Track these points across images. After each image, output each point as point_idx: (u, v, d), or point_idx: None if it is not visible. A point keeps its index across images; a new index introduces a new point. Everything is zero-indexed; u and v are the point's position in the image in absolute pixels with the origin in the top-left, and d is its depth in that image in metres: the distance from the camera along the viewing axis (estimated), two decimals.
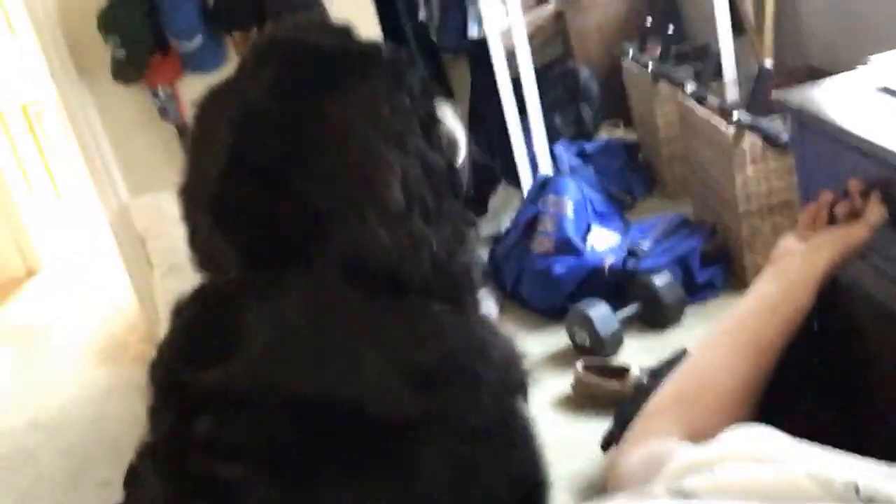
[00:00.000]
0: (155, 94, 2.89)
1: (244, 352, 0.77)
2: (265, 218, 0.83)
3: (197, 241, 0.90)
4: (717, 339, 0.94)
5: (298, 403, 0.76)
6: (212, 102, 0.91)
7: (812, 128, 1.29)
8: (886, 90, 1.23)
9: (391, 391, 0.76)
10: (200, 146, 0.91)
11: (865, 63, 1.39)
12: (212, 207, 0.85)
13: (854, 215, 0.99)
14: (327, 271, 0.81)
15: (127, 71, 2.81)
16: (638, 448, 0.82)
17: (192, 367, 0.79)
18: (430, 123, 0.93)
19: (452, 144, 0.96)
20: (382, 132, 0.84)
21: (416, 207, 0.83)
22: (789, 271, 0.94)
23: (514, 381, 0.87)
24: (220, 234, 0.85)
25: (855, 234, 0.96)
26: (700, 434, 0.77)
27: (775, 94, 1.48)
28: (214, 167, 0.85)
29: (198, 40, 2.74)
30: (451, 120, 0.99)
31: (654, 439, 0.82)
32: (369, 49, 0.92)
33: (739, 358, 0.89)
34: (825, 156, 1.23)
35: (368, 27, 2.83)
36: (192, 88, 2.83)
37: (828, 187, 1.05)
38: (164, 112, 2.90)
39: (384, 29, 2.92)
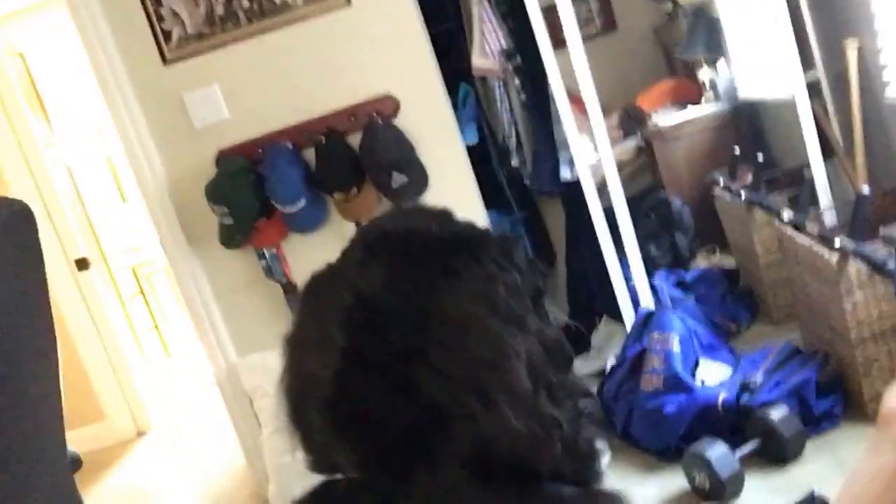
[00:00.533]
0: (261, 256, 3.02)
1: None
2: (387, 418, 0.79)
3: (311, 444, 0.86)
4: None
5: None
6: (316, 293, 0.88)
7: None
8: None
9: None
10: (306, 342, 0.86)
11: None
12: (328, 409, 0.81)
13: None
14: (455, 471, 0.77)
15: (234, 237, 2.95)
16: None
17: None
18: (538, 297, 0.91)
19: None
20: (502, 316, 0.81)
21: (542, 388, 0.81)
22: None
23: None
24: (337, 437, 0.82)
25: None
26: None
27: (883, 230, 1.47)
28: (327, 366, 0.80)
29: (301, 203, 2.88)
30: None
31: None
32: (475, 231, 0.91)
33: None
34: None
35: (464, 178, 2.94)
36: (296, 247, 2.97)
37: None
38: (269, 272, 3.02)
39: (479, 178, 3.02)
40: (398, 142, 2.83)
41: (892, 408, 0.89)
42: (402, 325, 0.80)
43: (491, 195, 3.17)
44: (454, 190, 2.91)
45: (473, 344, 0.80)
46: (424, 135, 2.89)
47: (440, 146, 2.91)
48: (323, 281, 0.88)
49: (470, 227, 0.91)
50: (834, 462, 2.20)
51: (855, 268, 2.27)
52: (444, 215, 0.92)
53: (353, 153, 2.87)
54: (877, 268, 2.23)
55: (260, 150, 2.91)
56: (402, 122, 2.88)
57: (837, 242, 2.30)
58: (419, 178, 2.86)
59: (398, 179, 2.80)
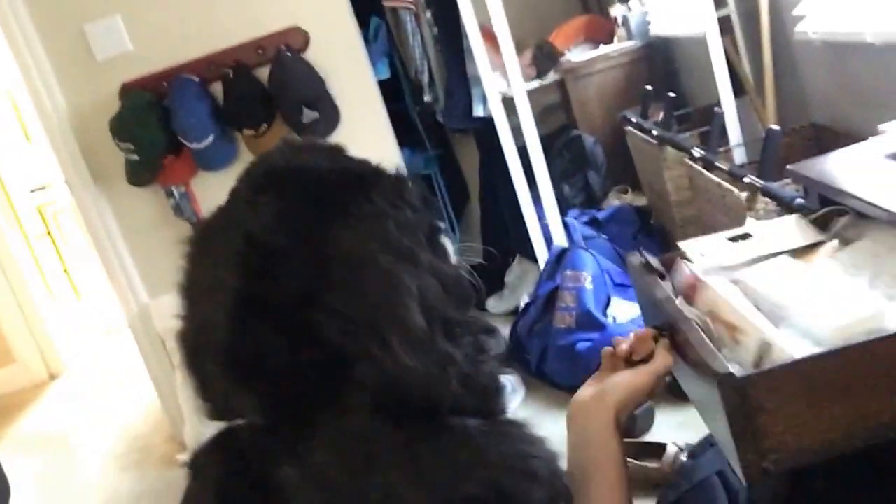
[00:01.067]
0: (170, 194, 2.93)
1: None
2: (285, 361, 0.78)
3: (209, 392, 0.84)
4: None
5: None
6: (206, 238, 0.85)
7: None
8: None
9: None
10: (198, 287, 0.84)
11: (878, 133, 1.40)
12: (224, 355, 0.79)
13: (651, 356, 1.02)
14: (357, 412, 0.77)
15: (141, 174, 2.85)
16: None
17: None
18: (434, 235, 0.89)
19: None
20: (396, 254, 0.80)
21: (438, 325, 0.80)
22: (583, 430, 0.97)
23: (561, 491, 0.85)
24: (235, 383, 0.80)
25: (639, 380, 0.98)
26: None
27: (789, 167, 1.49)
28: (220, 312, 0.78)
29: (209, 139, 2.79)
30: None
31: None
32: (366, 167, 0.88)
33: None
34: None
35: (376, 115, 2.88)
36: (206, 185, 2.88)
37: None
38: (178, 211, 2.94)
39: (391, 114, 2.97)
40: (308, 76, 2.76)
41: (576, 399, 1.01)
42: (295, 266, 0.78)
43: (404, 132, 3.13)
44: (366, 126, 2.85)
45: (367, 283, 0.78)
46: (335, 69, 2.81)
47: (351, 81, 2.84)
48: (212, 224, 0.86)
49: (361, 164, 0.89)
50: None
51: (763, 204, 2.31)
52: (335, 150, 0.91)
53: (262, 88, 2.78)
54: (784, 204, 2.28)
55: (165, 84, 2.80)
56: (312, 55, 2.79)
57: (746, 179, 2.34)
58: (330, 114, 2.80)
59: (309, 115, 2.73)
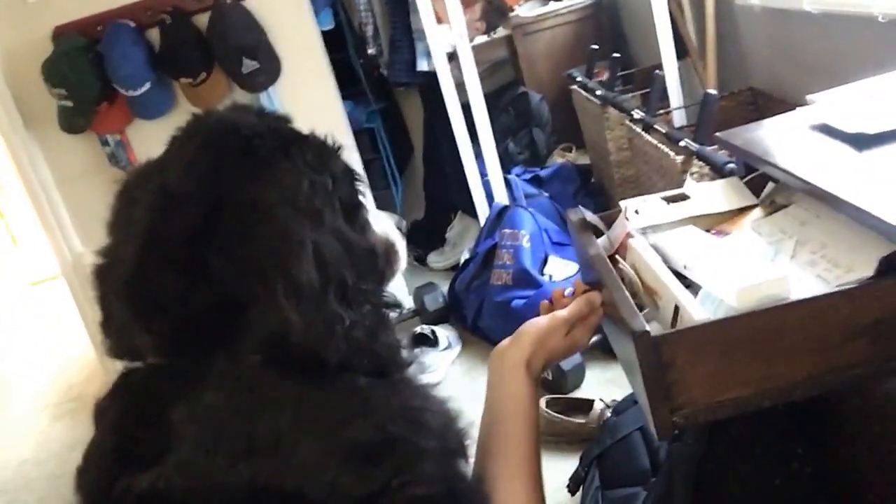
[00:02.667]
0: (104, 142, 2.86)
1: (175, 452, 0.75)
2: (182, 303, 0.80)
3: (111, 328, 0.86)
4: (486, 472, 0.96)
5: (236, 501, 0.74)
6: (134, 182, 0.88)
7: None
8: (823, 128, 1.26)
9: (329, 474, 0.74)
10: (118, 227, 0.87)
11: (806, 103, 1.42)
12: (126, 292, 0.81)
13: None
14: (249, 356, 0.78)
15: (75, 121, 2.78)
16: None
17: (124, 474, 0.76)
18: (354, 209, 0.92)
19: (389, 248, 0.97)
20: (298, 209, 0.82)
21: (333, 286, 0.81)
22: (498, 373, 1.01)
23: (454, 445, 0.86)
24: (134, 319, 0.82)
25: (553, 323, 1.04)
26: None
27: (718, 134, 1.51)
28: (130, 250, 0.81)
29: (145, 87, 2.72)
30: (387, 224, 1.00)
31: None
32: (295, 132, 0.91)
33: (510, 481, 0.94)
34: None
35: (319, 66, 2.83)
36: (142, 134, 2.82)
37: None
38: (113, 159, 2.87)
39: (335, 66, 2.92)
40: (248, 25, 2.69)
41: (495, 350, 1.04)
42: (194, 208, 0.81)
43: (347, 84, 3.09)
44: (308, 78, 2.80)
45: (257, 229, 0.80)
46: (277, 18, 2.75)
47: (293, 31, 2.78)
48: (142, 170, 0.89)
49: (292, 129, 0.92)
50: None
51: (697, 168, 2.34)
52: (278, 118, 0.92)
53: (200, 35, 2.71)
54: (716, 169, 2.31)
55: (99, 28, 2.71)
56: (253, 3, 2.72)
57: (682, 143, 2.36)
58: (271, 65, 2.74)
59: (249, 65, 2.67)
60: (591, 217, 1.28)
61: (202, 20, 2.71)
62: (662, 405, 0.89)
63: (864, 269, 0.93)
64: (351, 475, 0.75)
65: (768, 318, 0.89)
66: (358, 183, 0.94)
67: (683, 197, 1.27)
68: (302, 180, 0.84)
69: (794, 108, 1.46)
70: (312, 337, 0.78)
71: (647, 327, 0.88)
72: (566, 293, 1.15)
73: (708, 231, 1.20)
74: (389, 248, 0.99)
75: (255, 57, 2.68)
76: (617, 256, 1.19)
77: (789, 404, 0.93)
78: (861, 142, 1.16)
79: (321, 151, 0.90)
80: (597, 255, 1.13)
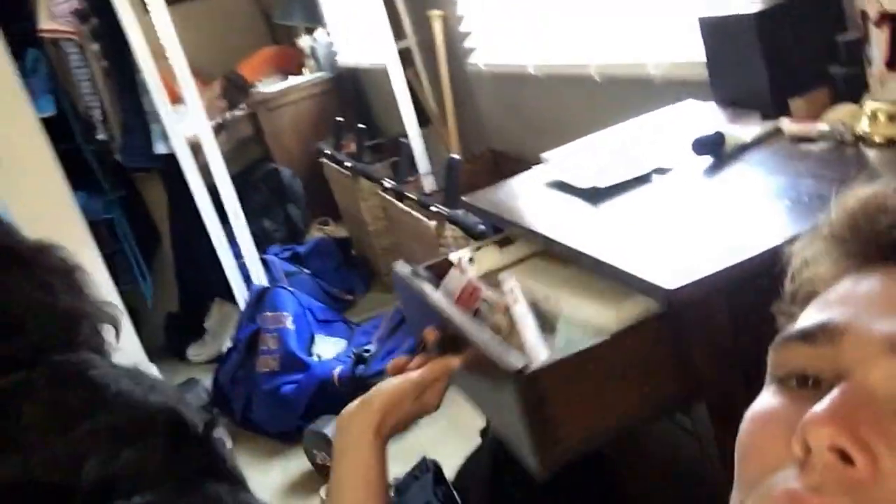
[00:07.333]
0: None
1: None
2: None
3: None
4: None
5: None
6: None
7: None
8: (559, 184, 1.32)
9: None
10: None
11: (541, 161, 1.46)
12: None
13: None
14: None
15: None
16: None
17: None
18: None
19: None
20: None
21: None
22: (345, 437, 0.95)
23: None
24: None
25: (404, 385, 0.97)
26: None
27: (465, 198, 1.52)
28: None
29: None
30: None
31: None
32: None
33: None
34: None
35: (41, 156, 2.59)
36: None
37: None
38: None
39: (62, 155, 2.68)
40: None
41: (343, 413, 0.97)
42: None
43: (79, 174, 2.84)
44: (30, 169, 2.54)
45: None
46: None
47: (8, 120, 2.52)
48: None
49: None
50: (447, 426, 2.29)
51: (451, 231, 2.36)
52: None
53: None
54: (467, 231, 2.34)
55: None
56: None
57: (433, 209, 2.38)
58: None
59: None
60: (419, 269, 1.23)
61: None
62: (545, 440, 0.88)
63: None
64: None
65: (614, 346, 0.90)
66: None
67: (508, 241, 1.29)
68: None
69: (530, 167, 1.51)
70: None
71: (522, 362, 0.86)
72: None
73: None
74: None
75: None
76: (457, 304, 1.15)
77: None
78: (595, 196, 1.21)
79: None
80: (444, 303, 1.10)
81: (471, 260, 1.24)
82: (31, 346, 0.81)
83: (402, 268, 1.27)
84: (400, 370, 1.01)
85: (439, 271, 1.25)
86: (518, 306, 1.05)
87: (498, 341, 0.96)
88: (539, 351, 0.94)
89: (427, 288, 1.18)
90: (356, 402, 0.98)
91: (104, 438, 0.77)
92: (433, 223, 2.38)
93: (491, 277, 1.18)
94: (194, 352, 3.12)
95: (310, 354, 2.52)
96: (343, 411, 0.98)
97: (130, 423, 0.78)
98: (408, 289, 1.23)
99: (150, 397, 0.81)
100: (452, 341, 1.02)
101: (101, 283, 2.67)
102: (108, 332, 0.92)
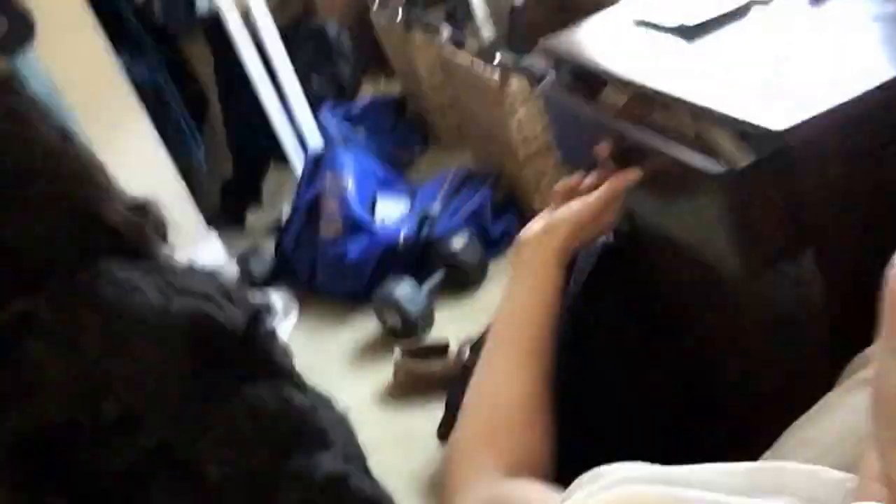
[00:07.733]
0: None
1: None
2: None
3: None
4: (492, 358, 0.92)
5: None
6: None
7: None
8: (643, 23, 1.17)
9: None
10: None
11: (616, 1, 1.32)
12: None
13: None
14: None
15: None
16: (469, 496, 0.78)
17: None
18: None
19: None
20: None
21: None
22: (528, 262, 0.94)
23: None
24: None
25: (587, 206, 0.95)
26: (517, 456, 0.80)
27: (542, 43, 1.37)
28: None
29: None
30: None
31: (479, 481, 0.79)
32: None
33: (519, 369, 0.88)
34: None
35: (81, 17, 2.47)
36: None
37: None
38: None
39: (102, 15, 2.55)
40: None
41: (522, 236, 0.96)
42: None
43: (120, 35, 2.71)
44: (70, 33, 2.43)
45: None
46: None
47: None
48: None
49: None
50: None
51: (517, 83, 2.22)
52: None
53: None
54: (537, 80, 2.20)
55: None
56: None
57: (497, 57, 2.23)
58: (21, 23, 2.34)
59: None
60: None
61: None
62: (751, 239, 0.87)
63: None
64: None
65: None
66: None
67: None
68: None
69: (602, 8, 1.36)
70: None
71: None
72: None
73: None
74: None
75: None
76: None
77: None
78: (687, 33, 1.07)
79: None
80: (610, 114, 1.03)
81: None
82: (41, 259, 0.78)
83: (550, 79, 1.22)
84: (571, 191, 0.98)
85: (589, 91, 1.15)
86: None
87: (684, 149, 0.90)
88: (736, 155, 0.87)
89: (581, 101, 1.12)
90: (539, 227, 0.95)
91: (119, 370, 0.75)
92: (496, 74, 2.23)
93: None
94: (253, 218, 3.07)
95: (372, 216, 2.44)
96: (525, 234, 0.96)
97: (149, 346, 0.76)
98: (560, 107, 1.18)
99: (174, 306, 0.78)
100: (622, 156, 0.98)
101: (153, 151, 2.61)
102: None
